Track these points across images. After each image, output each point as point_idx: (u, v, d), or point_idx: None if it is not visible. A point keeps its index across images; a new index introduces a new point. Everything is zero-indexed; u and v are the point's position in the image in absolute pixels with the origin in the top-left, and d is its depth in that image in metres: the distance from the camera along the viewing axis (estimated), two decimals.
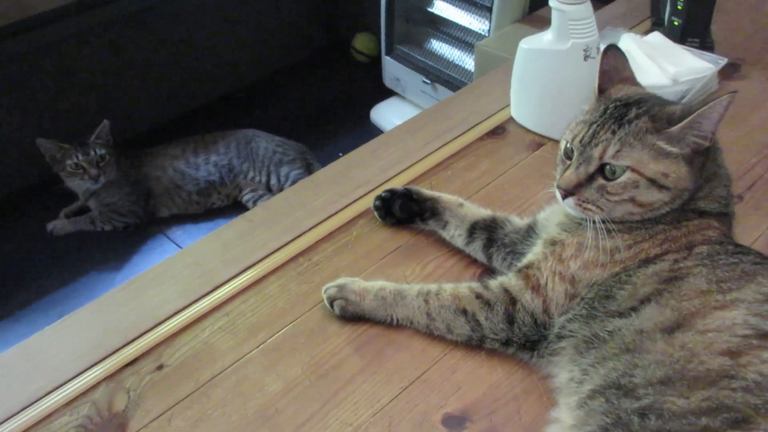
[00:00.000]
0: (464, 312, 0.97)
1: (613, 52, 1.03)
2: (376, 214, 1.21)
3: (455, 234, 1.15)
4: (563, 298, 0.93)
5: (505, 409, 0.91)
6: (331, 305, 1.04)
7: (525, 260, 1.00)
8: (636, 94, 0.97)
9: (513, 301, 0.95)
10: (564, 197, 0.95)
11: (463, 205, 1.17)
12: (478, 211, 1.15)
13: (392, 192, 1.20)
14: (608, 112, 0.94)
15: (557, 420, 0.86)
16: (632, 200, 0.91)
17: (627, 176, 0.90)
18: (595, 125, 0.93)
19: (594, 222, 0.92)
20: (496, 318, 0.96)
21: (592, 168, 0.92)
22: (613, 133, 0.91)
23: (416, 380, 0.95)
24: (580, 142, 0.94)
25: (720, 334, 0.78)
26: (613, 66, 1.02)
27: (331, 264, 1.14)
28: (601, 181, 0.92)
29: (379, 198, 1.21)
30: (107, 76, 2.83)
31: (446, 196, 1.19)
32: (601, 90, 1.00)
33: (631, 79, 1.03)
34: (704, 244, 0.89)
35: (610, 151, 0.90)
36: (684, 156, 0.89)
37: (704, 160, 0.91)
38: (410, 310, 1.01)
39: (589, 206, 0.93)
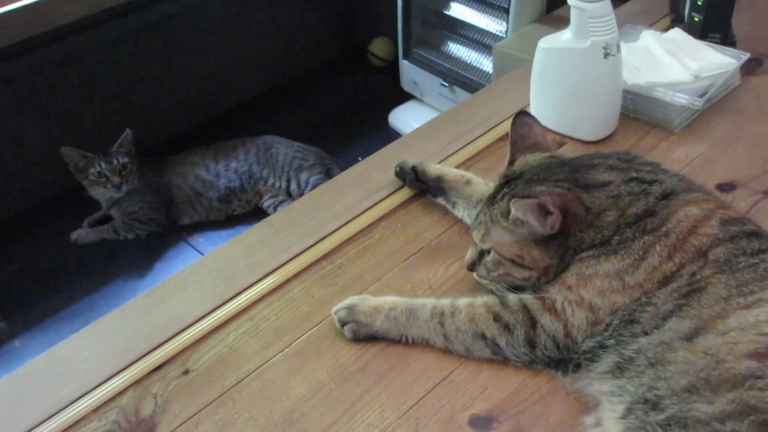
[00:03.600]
0: (483, 336, 0.94)
1: (520, 119, 1.04)
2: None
3: (465, 215, 1.16)
4: (585, 324, 0.89)
5: (532, 409, 0.91)
6: (343, 328, 1.01)
7: None
8: (526, 165, 0.98)
9: (533, 322, 0.91)
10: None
11: (471, 183, 1.17)
12: (484, 189, 1.13)
13: (402, 169, 1.25)
14: (494, 190, 0.97)
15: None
16: (509, 275, 0.95)
17: (492, 256, 0.95)
18: (482, 204, 0.98)
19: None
20: (516, 342, 0.92)
21: (477, 248, 0.98)
22: (485, 215, 0.95)
23: (442, 381, 0.95)
24: (473, 221, 0.99)
25: (743, 332, 0.76)
26: (520, 134, 1.03)
27: (354, 267, 1.14)
28: (485, 257, 0.97)
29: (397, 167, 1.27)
30: (129, 85, 2.86)
31: (452, 174, 1.19)
32: (511, 162, 1.01)
33: (540, 144, 1.03)
34: (718, 246, 0.86)
35: (479, 234, 0.96)
36: (535, 240, 0.91)
37: (563, 239, 0.91)
38: (425, 331, 0.97)
39: (484, 281, 0.99)
